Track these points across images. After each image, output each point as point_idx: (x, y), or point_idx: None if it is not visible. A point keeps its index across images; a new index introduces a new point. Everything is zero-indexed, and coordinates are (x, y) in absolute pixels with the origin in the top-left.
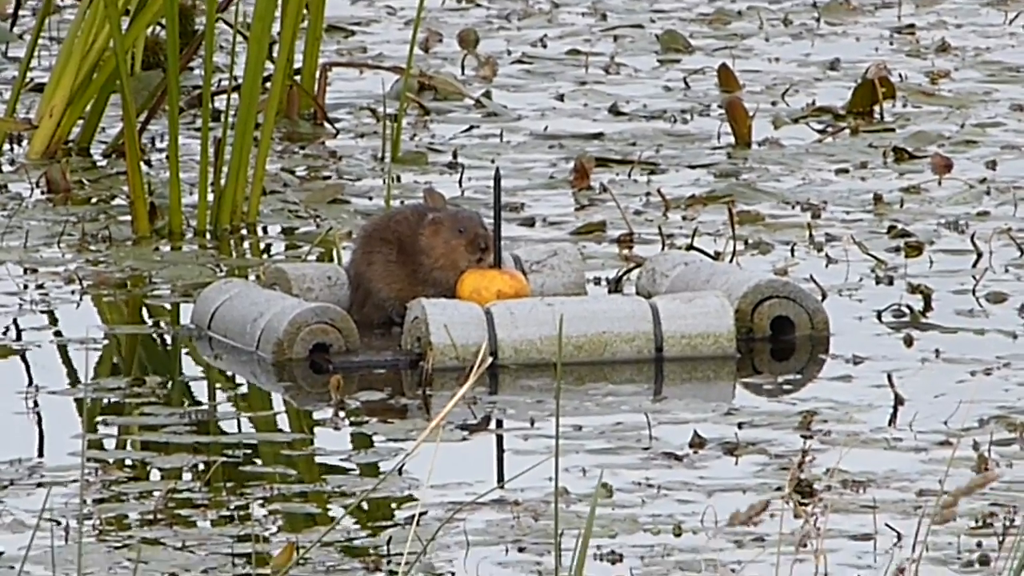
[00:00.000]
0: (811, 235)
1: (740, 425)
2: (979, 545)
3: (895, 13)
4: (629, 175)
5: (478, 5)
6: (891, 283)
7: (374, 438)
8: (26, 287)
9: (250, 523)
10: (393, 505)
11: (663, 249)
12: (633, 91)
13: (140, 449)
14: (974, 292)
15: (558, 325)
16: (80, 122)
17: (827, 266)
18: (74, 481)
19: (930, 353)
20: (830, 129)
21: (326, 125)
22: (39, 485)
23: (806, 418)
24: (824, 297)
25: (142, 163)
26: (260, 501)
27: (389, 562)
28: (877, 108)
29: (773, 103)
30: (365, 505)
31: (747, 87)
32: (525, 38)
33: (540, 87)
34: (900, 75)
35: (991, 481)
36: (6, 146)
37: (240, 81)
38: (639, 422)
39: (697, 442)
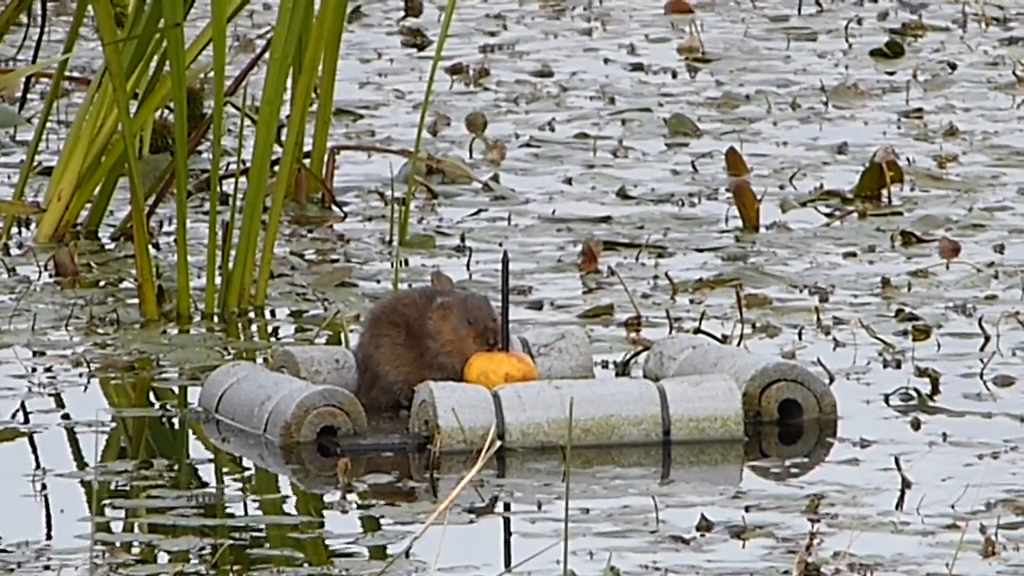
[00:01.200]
0: (819, 319)
1: (747, 508)
2: None
3: (903, 97)
4: (637, 259)
5: (486, 89)
6: (899, 366)
7: (382, 521)
8: (34, 370)
9: None
10: None
11: (671, 333)
12: (641, 175)
13: (147, 532)
14: (982, 376)
15: (567, 408)
16: (88, 206)
17: (835, 349)
18: (82, 564)
19: (937, 436)
20: (838, 213)
21: (334, 208)
22: (47, 568)
23: (813, 501)
24: (832, 380)
25: (150, 246)
26: None
27: None
28: (885, 192)
29: (781, 187)
30: None
31: (755, 171)
32: (533, 122)
33: (548, 170)
34: (908, 159)
35: None
36: (14, 230)
37: (248, 164)
38: (646, 505)
39: (704, 525)
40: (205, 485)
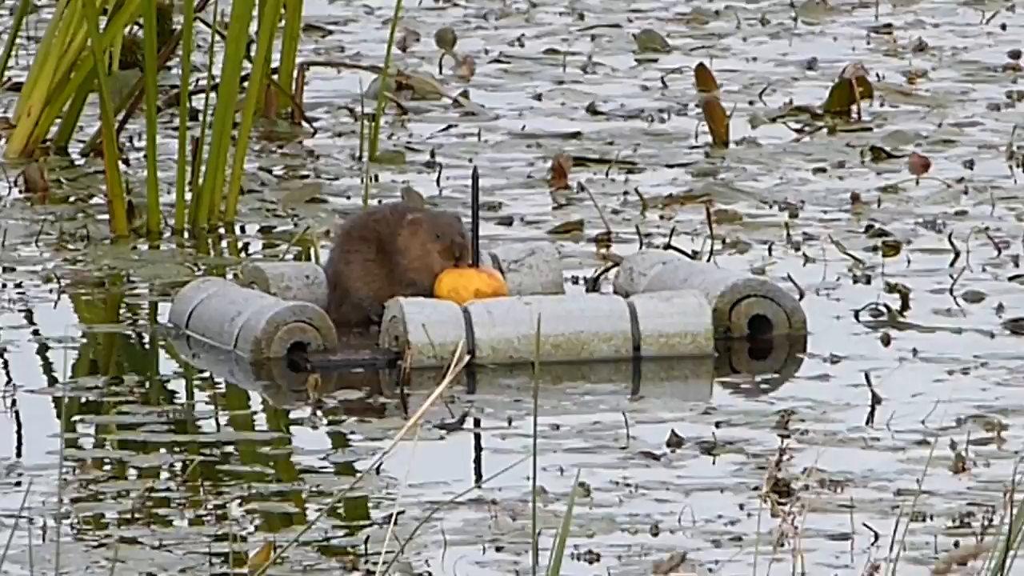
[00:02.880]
0: (789, 234)
1: (718, 424)
2: (956, 545)
3: (872, 13)
4: (607, 174)
5: (456, 5)
6: (869, 282)
7: (352, 437)
8: (4, 286)
9: (227, 522)
10: (370, 504)
11: (641, 248)
12: (611, 90)
13: (118, 448)
14: (951, 291)
15: (536, 324)
16: (58, 121)
17: (805, 265)
18: (52, 480)
19: (907, 352)
20: (807, 128)
21: (304, 124)
22: (17, 484)
23: (784, 417)
24: (802, 296)
25: (120, 162)
26: (237, 500)
27: (367, 561)
28: (854, 108)
29: (751, 102)
30: (342, 504)
31: (724, 86)
32: (503, 37)
33: (518, 86)
34: (877, 75)
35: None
36: None
37: (218, 80)
38: (617, 421)
39: (675, 441)
40: (175, 401)
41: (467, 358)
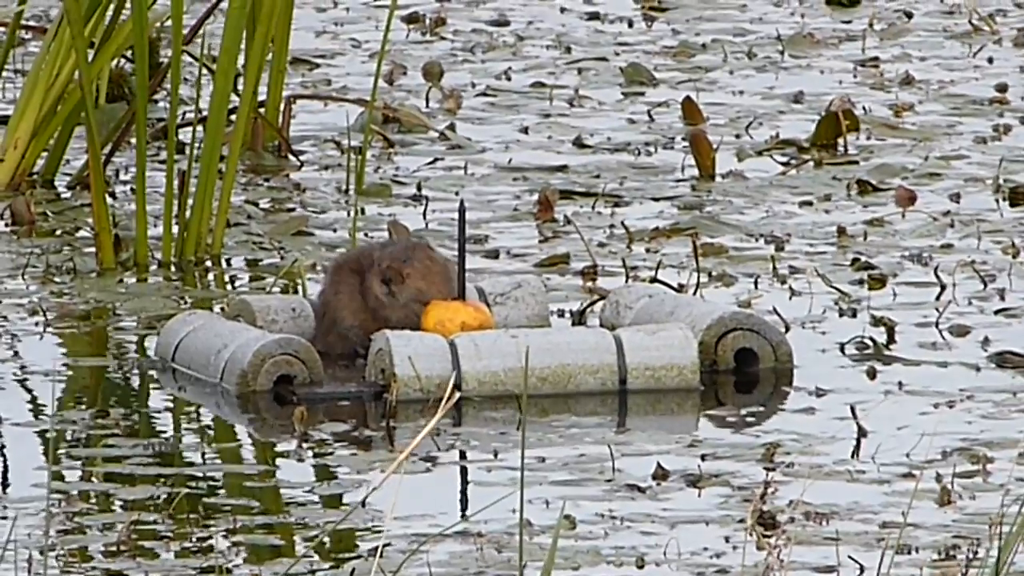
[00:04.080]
0: (775, 267)
1: (703, 457)
2: None
3: (859, 46)
4: (593, 207)
5: (443, 38)
6: (854, 315)
7: (338, 470)
8: None
9: (213, 555)
10: (357, 537)
11: (627, 281)
12: (597, 124)
13: (104, 481)
14: (937, 325)
15: (523, 357)
16: (44, 154)
17: (791, 298)
18: (38, 513)
19: (893, 385)
20: (794, 162)
21: (290, 157)
22: (3, 517)
23: (769, 450)
24: (787, 329)
25: (107, 195)
26: (224, 533)
27: None
28: (841, 141)
29: (737, 136)
30: (329, 537)
31: (711, 120)
32: (489, 71)
33: (504, 120)
34: (864, 108)
35: None
36: None
37: (205, 114)
38: (602, 454)
39: (660, 474)
40: (161, 434)
41: (456, 395)
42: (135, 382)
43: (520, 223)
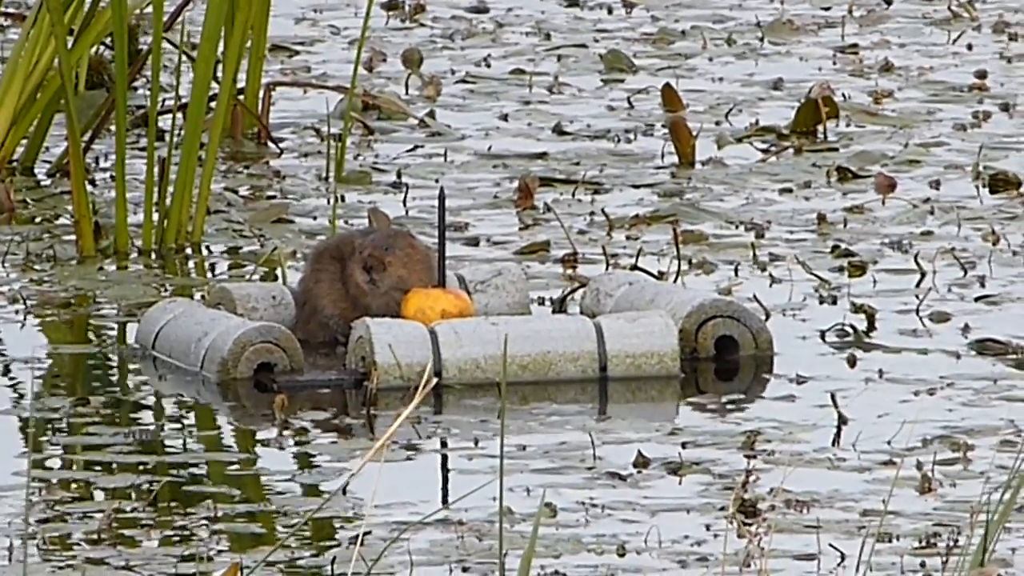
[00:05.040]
0: (755, 255)
1: (684, 445)
2: (923, 565)
3: (838, 33)
4: (573, 195)
5: (422, 25)
6: (835, 303)
7: (318, 458)
8: None
9: (195, 543)
10: (337, 525)
11: (607, 269)
12: (577, 111)
13: (84, 468)
14: (918, 312)
15: (503, 344)
16: (24, 141)
17: (771, 286)
18: (18, 501)
19: (873, 373)
20: (773, 149)
21: (270, 145)
22: None
23: (750, 438)
24: (768, 317)
25: (87, 182)
26: (205, 521)
27: None
28: (820, 128)
29: (717, 123)
30: (309, 525)
31: (690, 107)
32: (469, 58)
33: (484, 107)
34: (843, 95)
35: None
36: None
37: (185, 101)
38: (583, 442)
39: (641, 462)
40: (142, 422)
41: (435, 381)
42: (116, 370)
43: (500, 210)
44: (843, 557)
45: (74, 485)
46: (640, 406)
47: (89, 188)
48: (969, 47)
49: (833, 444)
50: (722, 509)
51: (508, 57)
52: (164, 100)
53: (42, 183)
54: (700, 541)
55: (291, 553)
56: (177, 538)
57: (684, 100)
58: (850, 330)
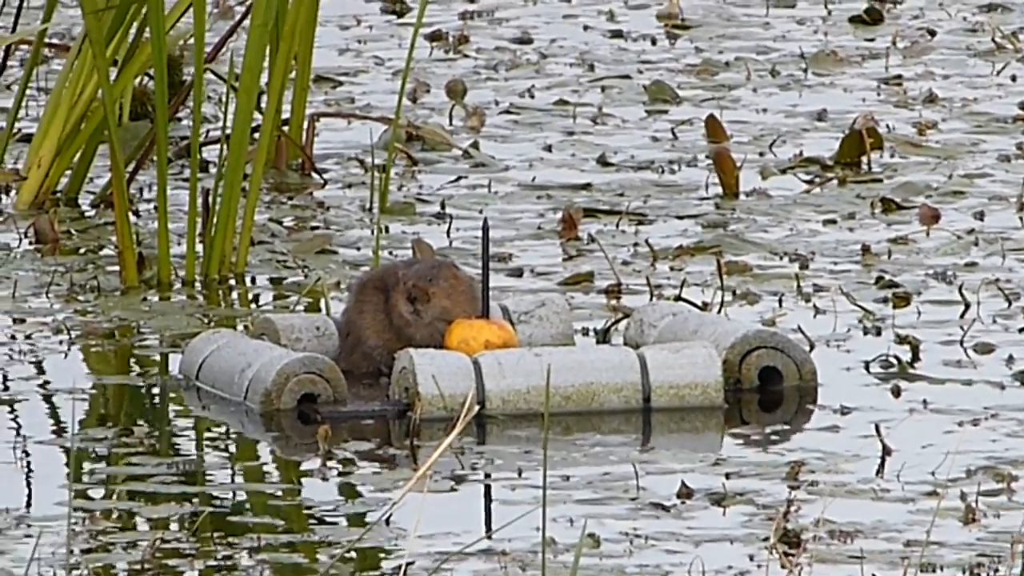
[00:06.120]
0: (799, 286)
1: (728, 475)
2: None
3: (882, 64)
4: (617, 226)
5: (466, 56)
6: (879, 334)
7: (361, 488)
8: (14, 337)
9: (237, 573)
10: (380, 555)
11: (651, 300)
12: (621, 142)
13: (127, 499)
14: (962, 343)
15: (546, 375)
16: (68, 172)
17: (815, 317)
18: (61, 531)
19: (918, 403)
20: (818, 180)
21: (314, 175)
22: (27, 535)
23: (794, 468)
24: (812, 348)
25: (130, 213)
26: (247, 551)
27: None
28: (865, 159)
29: (761, 154)
30: (353, 555)
31: (734, 138)
32: (513, 88)
33: (528, 137)
34: (888, 126)
35: None
36: None
37: (228, 131)
38: (627, 472)
39: (685, 492)
40: (185, 452)
41: (477, 409)
42: (159, 400)
43: (544, 241)
44: None
45: (117, 515)
46: (684, 437)
47: (133, 219)
48: (1013, 78)
49: (877, 475)
50: (765, 539)
51: (552, 88)
52: (208, 131)
53: (86, 214)
54: (744, 572)
55: None
56: (220, 569)
57: (728, 131)
58: (894, 361)
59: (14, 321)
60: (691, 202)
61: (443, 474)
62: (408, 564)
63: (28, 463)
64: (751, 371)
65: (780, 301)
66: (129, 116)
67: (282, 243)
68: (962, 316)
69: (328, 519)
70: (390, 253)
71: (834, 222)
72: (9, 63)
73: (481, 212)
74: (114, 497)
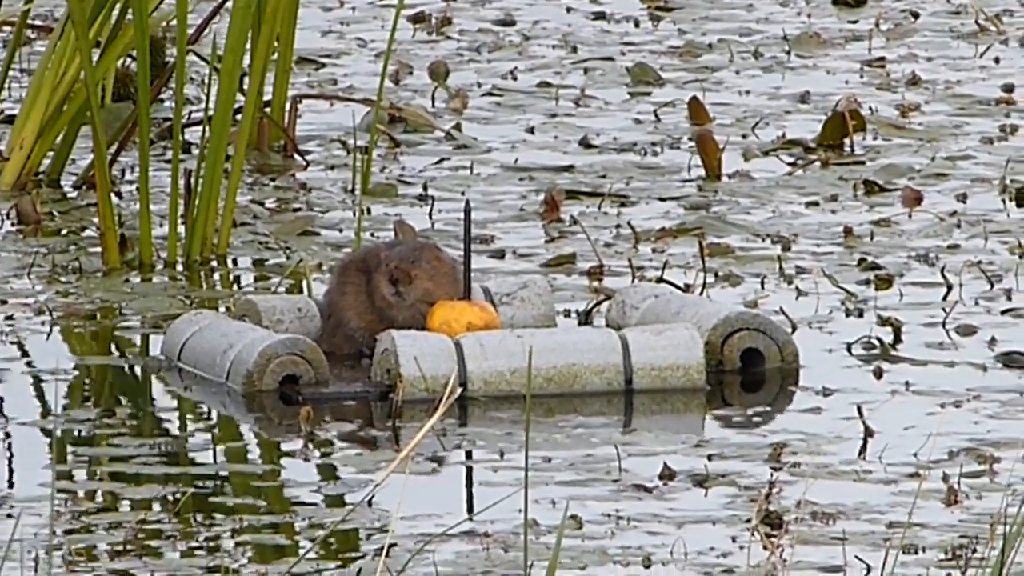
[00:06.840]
0: (781, 268)
1: (710, 457)
2: None
3: (865, 46)
4: (599, 207)
5: (448, 38)
6: (861, 315)
7: (343, 470)
8: None
9: (220, 554)
10: (362, 537)
11: (633, 281)
12: (603, 124)
13: (110, 480)
14: (944, 325)
15: (528, 357)
16: (50, 154)
17: (797, 298)
18: (44, 512)
19: (900, 385)
20: (800, 162)
21: (296, 157)
22: (9, 516)
23: (776, 450)
24: (794, 329)
25: (112, 195)
26: (230, 532)
27: None
28: (847, 141)
29: (743, 136)
30: (334, 537)
31: (717, 120)
32: (495, 70)
33: (510, 119)
34: (870, 108)
35: None
36: None
37: (211, 113)
38: (609, 454)
39: (667, 474)
40: (167, 433)
41: (459, 391)
42: (141, 381)
43: (526, 223)
44: (868, 569)
45: (99, 496)
46: (666, 418)
47: (115, 200)
48: (996, 60)
49: (859, 456)
50: (748, 521)
51: (534, 70)
52: (190, 112)
53: (68, 195)
54: (726, 553)
55: (316, 565)
56: (202, 549)
57: (711, 113)
58: (876, 343)
59: None
60: (674, 184)
61: (425, 455)
62: (390, 546)
63: (10, 444)
64: (733, 353)
65: (762, 283)
66: (111, 97)
67: (264, 224)
68: (944, 298)
69: (310, 500)
70: (372, 235)
71: (817, 204)
72: None
73: (463, 194)
74: (96, 478)
